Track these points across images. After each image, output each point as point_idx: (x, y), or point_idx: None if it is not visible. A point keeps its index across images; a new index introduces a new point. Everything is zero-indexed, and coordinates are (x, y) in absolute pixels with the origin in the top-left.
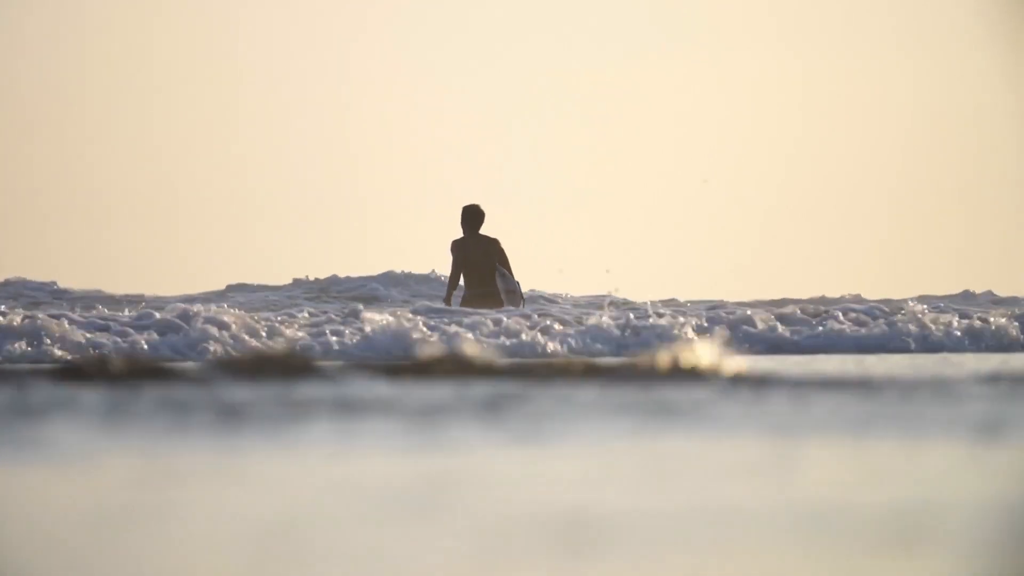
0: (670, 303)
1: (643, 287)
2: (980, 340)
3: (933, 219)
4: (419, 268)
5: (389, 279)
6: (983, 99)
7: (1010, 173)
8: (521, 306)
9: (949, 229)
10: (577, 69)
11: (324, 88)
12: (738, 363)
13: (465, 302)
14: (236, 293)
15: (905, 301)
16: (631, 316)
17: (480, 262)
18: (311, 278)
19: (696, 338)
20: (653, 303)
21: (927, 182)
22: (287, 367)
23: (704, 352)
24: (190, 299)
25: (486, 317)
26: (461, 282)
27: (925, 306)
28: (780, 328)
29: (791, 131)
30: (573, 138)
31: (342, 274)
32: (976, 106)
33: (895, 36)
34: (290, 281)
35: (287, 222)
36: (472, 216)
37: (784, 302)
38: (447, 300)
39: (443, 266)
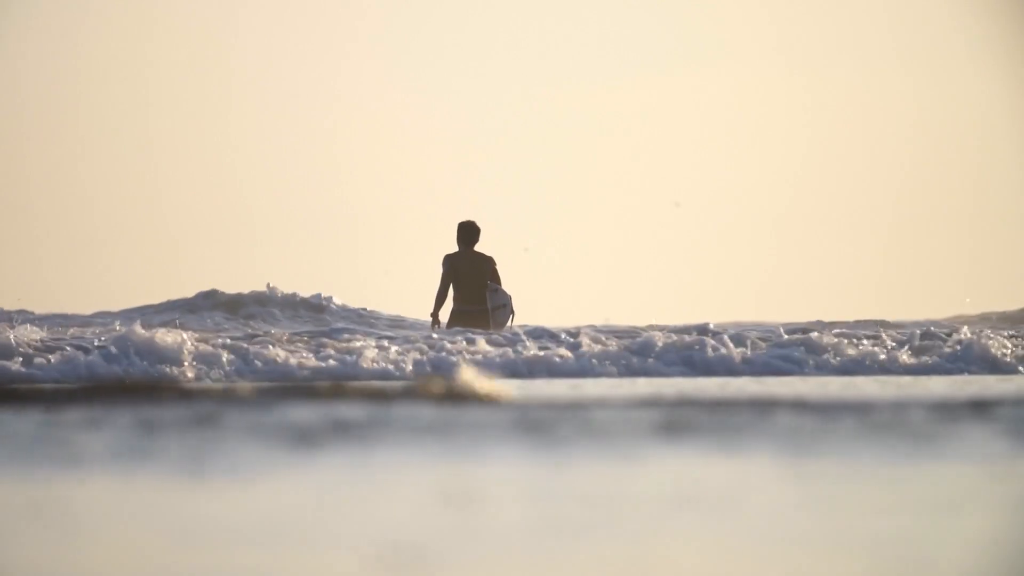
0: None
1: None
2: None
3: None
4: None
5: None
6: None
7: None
8: (511, 321)
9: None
10: (550, 91)
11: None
12: (502, 388)
13: (452, 317)
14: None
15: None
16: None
17: (470, 279)
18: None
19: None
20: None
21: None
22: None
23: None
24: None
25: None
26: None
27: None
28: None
29: (767, 152)
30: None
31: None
32: (960, 121)
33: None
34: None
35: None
36: (467, 232)
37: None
38: (435, 314)
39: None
